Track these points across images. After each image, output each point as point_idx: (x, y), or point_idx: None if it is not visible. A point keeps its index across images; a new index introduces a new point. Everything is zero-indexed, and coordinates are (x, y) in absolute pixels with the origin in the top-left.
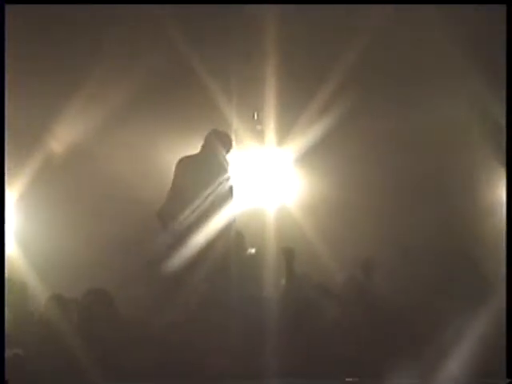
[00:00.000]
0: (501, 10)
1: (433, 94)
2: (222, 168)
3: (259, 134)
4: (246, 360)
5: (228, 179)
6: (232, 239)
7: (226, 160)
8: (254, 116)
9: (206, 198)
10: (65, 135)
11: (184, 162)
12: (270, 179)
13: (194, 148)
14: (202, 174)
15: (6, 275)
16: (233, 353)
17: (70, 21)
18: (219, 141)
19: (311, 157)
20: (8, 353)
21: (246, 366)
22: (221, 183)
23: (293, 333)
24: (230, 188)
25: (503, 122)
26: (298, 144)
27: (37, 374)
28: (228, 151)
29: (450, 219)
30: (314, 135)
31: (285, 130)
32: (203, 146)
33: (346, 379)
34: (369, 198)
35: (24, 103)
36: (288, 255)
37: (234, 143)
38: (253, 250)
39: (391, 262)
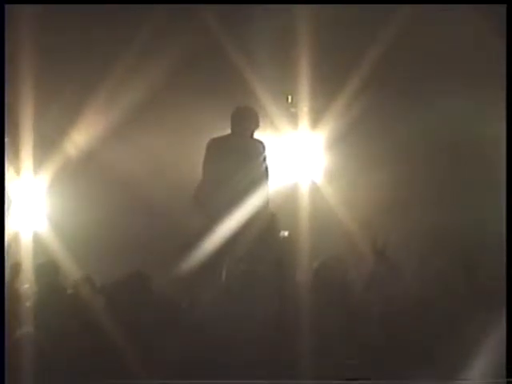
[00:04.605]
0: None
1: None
2: (255, 149)
3: (293, 117)
4: (276, 343)
5: (262, 160)
6: (266, 221)
7: (258, 140)
8: (287, 99)
9: (240, 179)
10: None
11: (215, 144)
12: (303, 162)
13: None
14: (234, 155)
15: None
16: (265, 336)
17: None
18: (246, 117)
19: (345, 140)
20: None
21: (276, 350)
22: (254, 165)
23: (324, 316)
24: (264, 170)
25: None
26: (331, 127)
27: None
28: (257, 126)
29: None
30: (347, 119)
31: (318, 113)
32: (232, 126)
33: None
34: (402, 181)
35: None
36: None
37: (260, 116)
38: (286, 233)
39: (417, 246)
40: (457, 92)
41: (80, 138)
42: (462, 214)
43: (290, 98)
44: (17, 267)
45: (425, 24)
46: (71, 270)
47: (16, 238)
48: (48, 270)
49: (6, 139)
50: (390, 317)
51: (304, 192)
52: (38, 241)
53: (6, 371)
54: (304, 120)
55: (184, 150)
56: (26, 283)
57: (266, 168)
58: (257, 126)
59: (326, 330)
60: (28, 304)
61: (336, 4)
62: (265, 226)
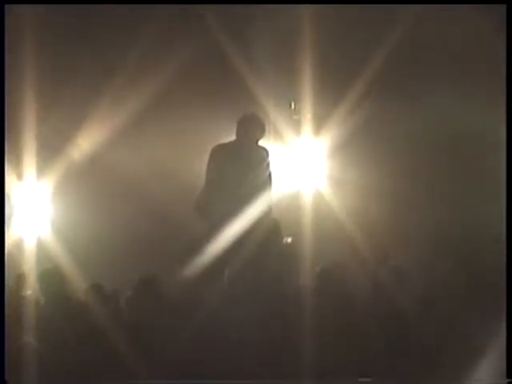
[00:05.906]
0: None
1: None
2: (259, 156)
3: (296, 124)
4: (279, 347)
5: (266, 167)
6: (269, 228)
7: (262, 147)
8: (290, 106)
9: (244, 186)
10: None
11: (219, 150)
12: (306, 169)
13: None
14: (239, 161)
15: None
16: (268, 340)
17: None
18: (253, 125)
19: (348, 147)
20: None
21: (278, 353)
22: (258, 172)
23: (327, 322)
24: (268, 177)
25: None
26: (335, 134)
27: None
28: (262, 134)
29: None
30: (350, 125)
31: (322, 120)
32: (237, 132)
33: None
34: (405, 187)
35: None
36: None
37: (266, 125)
38: (289, 239)
39: (419, 251)
40: (460, 95)
41: (83, 143)
42: (465, 221)
43: (293, 104)
44: (20, 273)
45: (426, 23)
46: (75, 275)
47: (20, 244)
48: (52, 275)
49: (6, 143)
50: (391, 320)
51: (307, 198)
52: (41, 246)
53: (6, 371)
54: (307, 127)
55: (188, 155)
56: (29, 290)
57: (270, 174)
58: (262, 133)
59: (329, 335)
60: (31, 310)
61: (337, 4)
62: (268, 232)
